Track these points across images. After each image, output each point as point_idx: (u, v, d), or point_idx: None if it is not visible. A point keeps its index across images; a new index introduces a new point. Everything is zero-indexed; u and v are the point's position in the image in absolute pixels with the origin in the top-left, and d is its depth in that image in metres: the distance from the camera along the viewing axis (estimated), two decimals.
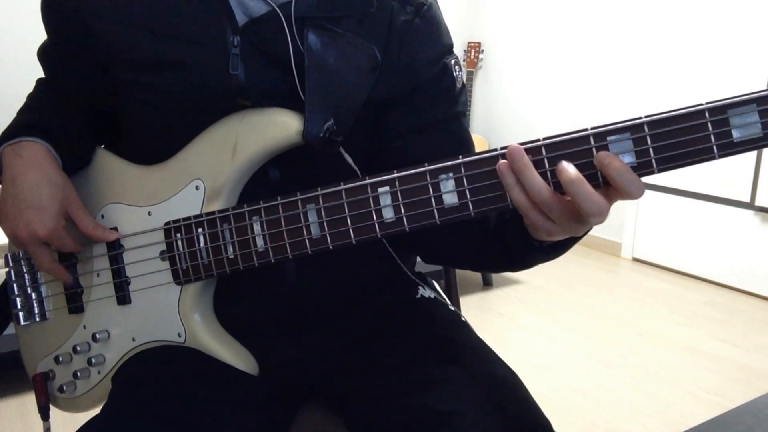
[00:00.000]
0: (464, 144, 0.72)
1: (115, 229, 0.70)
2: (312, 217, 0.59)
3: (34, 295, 0.76)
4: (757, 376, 2.01)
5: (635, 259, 3.17)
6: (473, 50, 3.71)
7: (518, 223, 0.57)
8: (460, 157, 0.55)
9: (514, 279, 2.82)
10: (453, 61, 0.72)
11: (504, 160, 0.52)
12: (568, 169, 0.49)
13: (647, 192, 3.38)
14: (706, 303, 2.62)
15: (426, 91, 0.70)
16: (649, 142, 0.50)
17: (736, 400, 1.83)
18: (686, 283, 2.85)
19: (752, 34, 2.59)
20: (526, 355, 2.13)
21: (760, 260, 2.65)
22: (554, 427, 0.63)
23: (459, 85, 0.72)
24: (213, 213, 0.64)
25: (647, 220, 3.10)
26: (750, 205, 2.69)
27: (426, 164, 0.56)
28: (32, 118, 0.72)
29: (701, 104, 0.49)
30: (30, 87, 0.80)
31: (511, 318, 2.44)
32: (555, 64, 3.46)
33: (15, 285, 0.76)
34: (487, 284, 2.74)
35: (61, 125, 0.72)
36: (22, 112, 0.75)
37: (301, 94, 0.62)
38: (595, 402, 1.83)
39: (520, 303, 2.58)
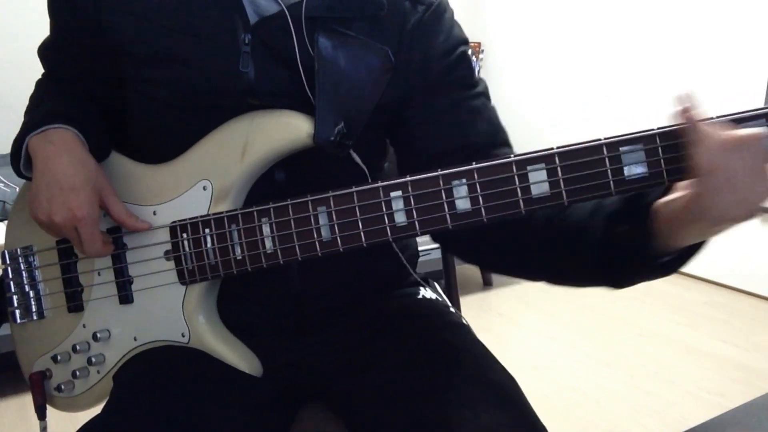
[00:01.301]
0: (491, 124, 0.69)
1: (119, 228, 0.69)
2: (323, 219, 0.59)
3: (32, 293, 0.75)
4: (757, 376, 2.01)
5: None
6: (473, 50, 3.70)
7: (639, 233, 0.55)
8: (474, 163, 0.55)
9: (514, 279, 2.82)
10: (469, 51, 0.71)
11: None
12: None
13: None
14: (706, 303, 2.62)
15: (443, 77, 0.69)
16: (660, 153, 0.50)
17: (736, 400, 1.83)
18: (686, 283, 2.85)
19: (753, 34, 2.59)
20: (526, 355, 2.13)
21: (760, 260, 2.66)
22: (554, 427, 0.63)
23: (477, 75, 0.71)
24: (221, 213, 0.63)
25: None
26: None
27: (438, 170, 0.56)
28: (52, 108, 0.71)
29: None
30: (29, 87, 0.78)
31: (511, 318, 2.44)
32: (556, 64, 3.46)
33: (12, 282, 0.76)
34: (487, 284, 2.74)
35: (81, 112, 0.71)
36: (32, 110, 0.73)
37: (311, 97, 0.62)
38: (595, 402, 1.83)
39: (520, 303, 2.58)
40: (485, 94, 0.71)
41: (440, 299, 0.80)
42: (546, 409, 0.64)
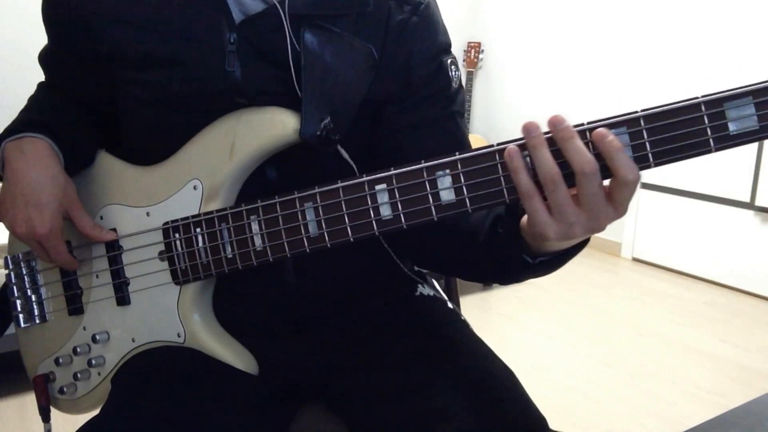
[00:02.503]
0: (460, 145, 0.72)
1: (114, 230, 0.70)
2: (310, 215, 0.59)
3: (34, 297, 0.76)
4: (757, 376, 2.01)
5: (635, 259, 3.17)
6: (473, 50, 3.71)
7: (511, 237, 0.58)
8: (457, 153, 0.55)
9: None
10: (449, 61, 0.72)
11: (512, 145, 0.52)
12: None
13: (647, 192, 3.38)
14: (706, 303, 2.62)
15: (421, 89, 0.70)
16: (645, 136, 0.50)
17: (736, 400, 1.83)
18: (686, 283, 2.85)
19: (753, 32, 2.59)
20: (526, 355, 2.13)
21: (760, 260, 2.65)
22: (554, 427, 0.63)
23: (455, 85, 0.72)
24: (211, 213, 0.64)
25: (647, 220, 3.10)
26: (750, 205, 2.69)
27: (423, 161, 0.56)
28: (34, 115, 0.72)
29: (697, 97, 0.49)
30: (30, 88, 0.80)
31: (511, 318, 2.44)
32: (555, 63, 3.46)
33: (15, 287, 0.76)
34: (487, 284, 2.74)
35: (63, 122, 0.72)
36: (23, 112, 0.75)
37: (299, 92, 0.63)
38: (595, 402, 1.83)
39: (520, 303, 2.58)
40: (461, 112, 0.73)
41: (438, 295, 0.80)
42: (546, 409, 0.64)
